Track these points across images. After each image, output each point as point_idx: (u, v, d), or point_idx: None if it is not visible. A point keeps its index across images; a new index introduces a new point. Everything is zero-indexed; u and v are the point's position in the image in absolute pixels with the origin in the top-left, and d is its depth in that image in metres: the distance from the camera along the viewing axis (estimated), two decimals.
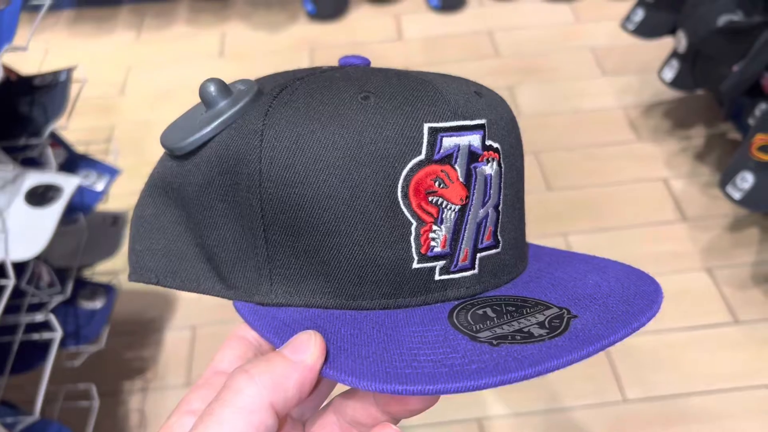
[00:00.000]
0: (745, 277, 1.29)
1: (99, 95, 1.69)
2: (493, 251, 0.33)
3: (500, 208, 0.33)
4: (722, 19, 1.23)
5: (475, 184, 0.31)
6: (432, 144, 0.30)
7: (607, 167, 1.50)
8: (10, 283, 0.75)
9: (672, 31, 1.41)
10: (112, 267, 1.16)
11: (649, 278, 0.34)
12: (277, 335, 0.29)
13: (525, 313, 0.30)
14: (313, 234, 0.30)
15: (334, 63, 0.38)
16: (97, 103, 1.69)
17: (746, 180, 1.09)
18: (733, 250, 1.34)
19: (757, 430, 1.10)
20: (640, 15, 1.43)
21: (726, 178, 1.12)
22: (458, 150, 0.31)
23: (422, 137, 0.30)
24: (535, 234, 1.38)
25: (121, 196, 1.31)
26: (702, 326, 1.23)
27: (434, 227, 0.30)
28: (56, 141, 1.01)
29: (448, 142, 0.30)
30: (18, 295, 0.86)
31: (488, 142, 0.32)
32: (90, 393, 1.03)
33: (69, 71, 0.96)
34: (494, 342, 0.28)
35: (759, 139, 1.06)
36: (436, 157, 0.30)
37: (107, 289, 1.05)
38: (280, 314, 0.30)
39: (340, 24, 1.95)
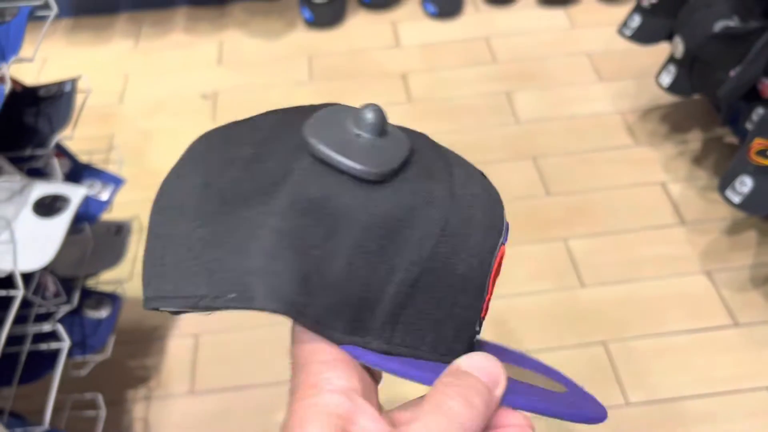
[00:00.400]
0: (744, 280, 1.31)
1: (98, 104, 1.69)
2: None
3: None
4: (719, 25, 1.24)
5: None
6: (506, 228, 0.33)
7: (605, 172, 1.52)
8: (20, 293, 0.75)
9: (669, 37, 1.42)
10: (117, 276, 1.16)
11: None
12: (431, 371, 0.30)
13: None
14: (451, 290, 0.31)
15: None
16: (97, 112, 1.69)
17: (745, 184, 1.10)
18: (731, 253, 1.35)
19: (756, 431, 1.11)
20: (637, 21, 1.45)
21: (725, 182, 1.13)
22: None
23: (504, 221, 0.33)
24: (535, 239, 1.39)
25: (124, 205, 1.31)
26: (702, 329, 1.24)
27: (491, 298, 0.34)
28: (61, 151, 1.01)
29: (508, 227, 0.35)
30: (25, 306, 0.86)
31: None
32: (96, 402, 1.03)
33: (74, 82, 0.97)
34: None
35: (758, 143, 1.08)
36: (505, 240, 0.33)
37: (112, 299, 1.05)
38: (389, 359, 0.30)
39: (338, 31, 1.96)
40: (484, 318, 0.33)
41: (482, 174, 0.34)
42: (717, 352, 1.21)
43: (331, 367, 0.28)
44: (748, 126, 1.29)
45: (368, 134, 0.30)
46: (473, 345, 0.33)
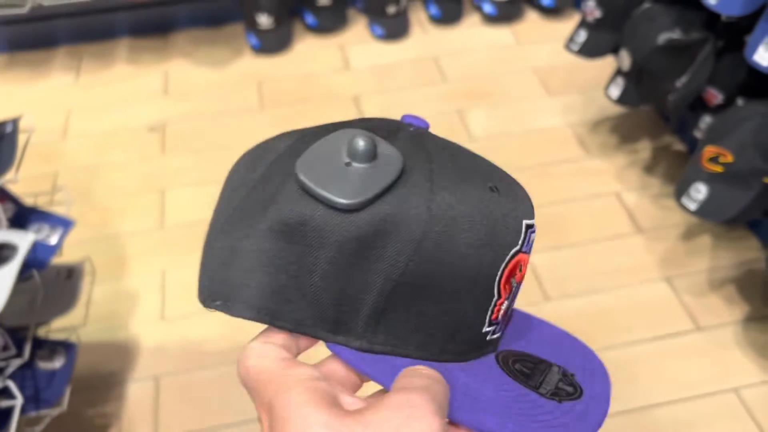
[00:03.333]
0: (703, 284, 1.33)
1: (39, 142, 1.62)
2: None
3: None
4: (662, 37, 1.28)
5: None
6: (525, 237, 0.36)
7: (560, 185, 1.53)
8: None
9: (614, 50, 1.46)
10: (70, 322, 1.11)
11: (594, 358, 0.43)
12: (387, 377, 0.33)
13: (539, 370, 0.37)
14: (434, 299, 0.34)
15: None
16: (39, 151, 1.62)
17: (700, 191, 1.12)
18: (688, 259, 1.37)
19: None
20: (582, 36, 1.48)
21: (681, 190, 1.15)
22: (532, 243, 0.38)
23: (521, 231, 0.36)
24: None
25: (74, 246, 1.26)
26: (666, 336, 1.26)
27: (505, 302, 0.37)
28: (4, 195, 0.96)
29: (532, 236, 0.37)
30: None
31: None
32: None
33: (15, 122, 0.92)
34: (557, 399, 0.35)
35: (708, 151, 1.10)
36: (525, 249, 0.36)
37: (66, 347, 1.00)
38: (373, 358, 0.34)
39: (286, 57, 1.94)
40: (498, 319, 0.36)
41: (494, 188, 0.36)
42: (682, 357, 1.23)
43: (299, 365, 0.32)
44: (696, 134, 1.32)
45: (358, 163, 0.34)
46: (483, 343, 0.36)
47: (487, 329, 0.36)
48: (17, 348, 0.87)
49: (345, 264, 0.33)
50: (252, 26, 1.92)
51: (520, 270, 0.37)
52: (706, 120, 1.27)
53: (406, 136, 0.37)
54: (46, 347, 0.98)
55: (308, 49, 1.96)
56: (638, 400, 1.16)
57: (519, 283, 0.37)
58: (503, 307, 0.37)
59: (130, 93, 1.85)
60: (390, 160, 0.34)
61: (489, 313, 0.36)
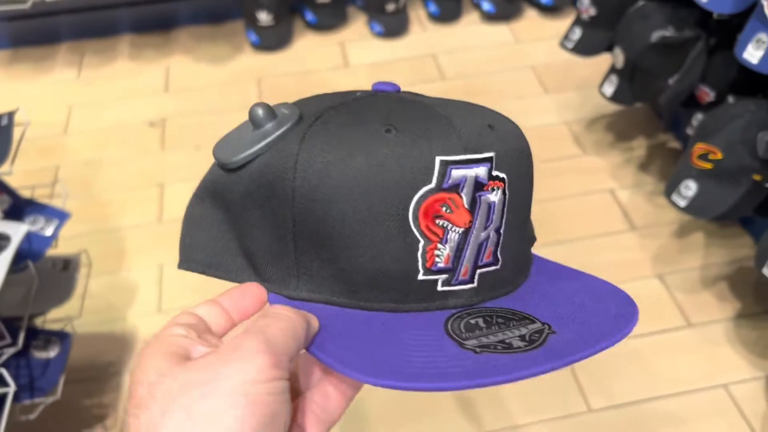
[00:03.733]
0: (695, 281, 1.34)
1: (41, 136, 1.65)
2: (493, 268, 0.37)
3: (502, 230, 0.37)
4: (655, 35, 1.28)
5: (478, 211, 0.35)
6: (442, 175, 0.34)
7: (555, 182, 1.54)
8: None
9: (609, 48, 1.46)
10: (66, 313, 1.13)
11: (629, 300, 0.38)
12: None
13: (511, 325, 0.34)
14: (334, 245, 0.35)
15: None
16: (40, 145, 1.65)
17: (690, 188, 1.13)
18: (681, 256, 1.38)
19: (718, 430, 1.13)
20: (577, 33, 1.48)
21: (671, 187, 1.16)
22: (465, 181, 0.35)
23: (434, 169, 0.34)
24: None
25: (72, 239, 1.28)
26: (658, 332, 1.27)
27: (439, 246, 0.35)
28: (0, 187, 0.98)
29: (457, 173, 0.35)
30: None
31: (494, 173, 0.36)
32: None
33: (10, 115, 0.94)
34: (477, 350, 0.32)
35: (698, 148, 1.11)
36: (445, 186, 0.34)
37: (61, 337, 1.02)
38: (304, 307, 0.35)
39: (286, 53, 1.95)
40: (437, 266, 0.35)
41: (391, 129, 0.35)
42: (673, 353, 1.24)
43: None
44: (689, 131, 1.33)
45: (256, 128, 0.37)
46: (433, 294, 0.35)
47: (428, 277, 0.35)
48: (12, 337, 0.89)
49: (253, 218, 0.36)
50: (252, 23, 1.94)
51: (448, 210, 0.35)
52: (698, 117, 1.27)
53: (347, 101, 0.38)
54: (41, 337, 1.00)
55: (308, 46, 1.97)
56: (628, 395, 1.17)
57: (467, 229, 0.35)
58: (442, 253, 0.35)
59: (131, 89, 1.87)
60: (284, 120, 0.37)
61: (420, 259, 0.35)
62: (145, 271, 1.40)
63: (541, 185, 1.57)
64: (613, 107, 1.65)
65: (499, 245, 0.37)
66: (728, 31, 1.21)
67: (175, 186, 1.57)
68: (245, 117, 0.38)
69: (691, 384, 1.19)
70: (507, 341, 0.33)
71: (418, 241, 0.34)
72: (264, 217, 0.36)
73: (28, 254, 0.93)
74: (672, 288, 1.33)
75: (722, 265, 1.36)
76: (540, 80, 1.81)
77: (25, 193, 1.08)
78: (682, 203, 1.14)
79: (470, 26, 2.01)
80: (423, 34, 1.99)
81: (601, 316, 0.36)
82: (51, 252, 1.04)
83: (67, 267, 1.07)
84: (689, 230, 1.43)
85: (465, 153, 0.35)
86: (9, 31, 2.00)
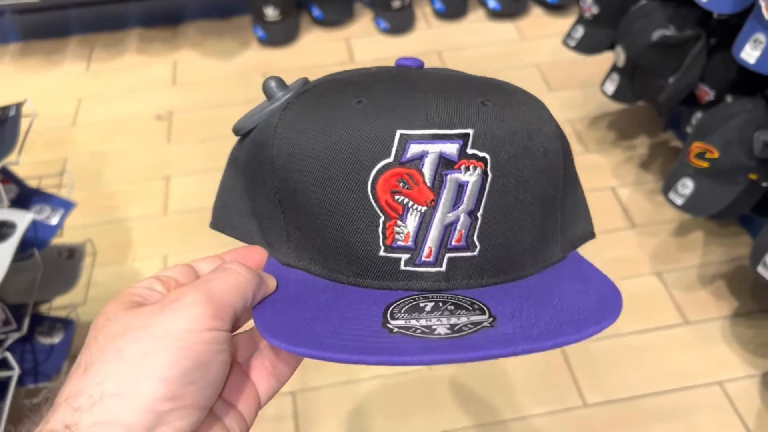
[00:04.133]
0: (692, 279, 1.34)
1: (50, 128, 1.68)
2: (466, 254, 0.35)
3: (479, 214, 0.35)
4: (656, 34, 1.29)
5: (444, 190, 0.34)
6: (400, 149, 0.34)
7: None
8: None
9: (611, 47, 1.47)
10: (70, 300, 1.15)
11: (615, 297, 0.36)
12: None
13: (458, 314, 0.33)
14: (306, 214, 0.36)
15: None
16: (48, 137, 1.67)
17: (686, 186, 1.14)
18: (679, 254, 1.39)
19: (712, 426, 1.14)
20: (580, 32, 1.49)
21: (668, 185, 1.17)
22: (426, 156, 0.33)
23: (393, 142, 0.34)
24: None
25: (78, 229, 1.30)
26: (654, 328, 1.27)
27: (399, 222, 0.34)
28: (7, 177, 1.00)
29: (417, 148, 0.33)
30: None
31: (471, 151, 0.34)
32: None
33: (18, 106, 0.96)
34: (395, 330, 0.31)
35: (696, 146, 1.12)
36: (402, 160, 0.33)
37: (65, 324, 1.04)
38: (288, 272, 0.37)
39: (292, 49, 1.97)
40: (396, 244, 0.34)
41: (360, 101, 0.35)
42: (669, 350, 1.24)
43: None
44: (689, 130, 1.33)
45: (267, 100, 0.39)
46: (394, 273, 0.35)
47: (389, 255, 0.34)
48: (17, 323, 0.91)
49: (256, 184, 0.38)
50: (259, 18, 1.96)
51: (406, 186, 0.34)
52: (697, 116, 1.28)
53: (354, 74, 0.39)
54: (46, 323, 1.02)
55: (314, 42, 1.99)
56: (624, 391, 1.18)
57: (431, 208, 0.34)
58: (402, 230, 0.34)
59: (139, 82, 1.89)
60: (289, 91, 0.38)
61: (381, 235, 0.34)
62: (149, 261, 1.42)
63: None
64: (615, 105, 1.66)
65: (476, 231, 0.34)
66: (728, 31, 1.22)
67: (181, 179, 1.59)
68: None
69: (686, 380, 1.20)
70: (433, 327, 0.32)
71: (379, 216, 0.34)
72: (263, 183, 0.38)
73: (33, 242, 0.96)
74: (670, 285, 1.33)
75: (721, 263, 1.36)
76: (544, 78, 1.82)
77: (33, 184, 1.10)
78: (679, 201, 1.15)
79: (476, 23, 2.02)
80: (428, 31, 2.00)
81: (565, 317, 0.33)
82: (56, 241, 1.07)
83: (72, 256, 1.09)
84: (689, 229, 1.43)
85: (429, 128, 0.33)
86: (20, 24, 2.03)
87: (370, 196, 0.34)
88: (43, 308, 1.11)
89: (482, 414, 1.15)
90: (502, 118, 0.36)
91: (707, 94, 1.27)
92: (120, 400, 0.28)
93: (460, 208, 0.34)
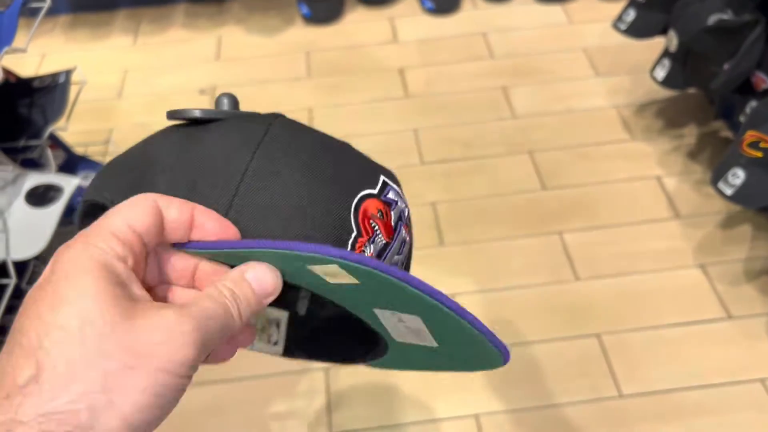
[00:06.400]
0: (738, 273, 1.31)
1: (96, 99, 1.70)
2: None
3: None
4: (712, 18, 1.25)
5: (396, 236, 0.40)
6: (383, 189, 0.40)
7: (601, 166, 1.52)
8: (12, 282, 0.76)
9: (663, 31, 1.43)
10: None
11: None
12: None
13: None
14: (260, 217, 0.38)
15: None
16: (95, 107, 1.70)
17: (738, 176, 1.10)
18: (725, 247, 1.35)
19: (751, 424, 1.11)
20: (631, 15, 1.45)
21: (718, 175, 1.13)
22: (396, 204, 0.40)
23: (378, 181, 0.40)
24: (531, 232, 1.40)
25: None
26: (696, 322, 1.24)
27: (367, 243, 0.39)
28: (55, 143, 1.02)
29: (392, 194, 0.41)
30: (17, 295, 0.87)
31: (407, 220, 0.42)
32: None
33: (68, 73, 0.97)
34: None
35: (750, 135, 1.08)
36: (383, 198, 0.40)
37: None
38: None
39: (336, 27, 1.96)
40: (364, 247, 0.38)
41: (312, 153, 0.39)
42: (710, 344, 1.21)
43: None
44: (742, 119, 1.29)
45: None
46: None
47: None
48: None
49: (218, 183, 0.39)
50: None
51: (382, 218, 0.39)
52: (752, 104, 1.24)
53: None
54: None
55: (358, 21, 1.98)
56: (661, 383, 1.16)
57: (387, 243, 0.39)
58: (366, 250, 0.38)
59: (184, 57, 1.91)
60: (233, 115, 0.42)
61: (348, 247, 0.38)
62: None
63: (585, 169, 1.56)
64: (664, 93, 1.61)
65: None
66: None
67: None
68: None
69: (727, 376, 1.17)
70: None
71: (352, 231, 0.38)
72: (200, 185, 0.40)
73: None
74: (714, 279, 1.30)
75: (767, 258, 1.32)
76: (591, 62, 1.78)
77: (79, 150, 1.12)
78: (729, 191, 1.11)
79: (523, 5, 1.98)
80: (474, 12, 1.97)
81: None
82: None
83: None
84: (736, 221, 1.39)
85: (398, 186, 0.41)
86: None
87: (352, 213, 0.38)
88: None
89: (515, 399, 1.14)
90: None
91: (764, 81, 1.23)
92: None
93: (401, 258, 0.41)
